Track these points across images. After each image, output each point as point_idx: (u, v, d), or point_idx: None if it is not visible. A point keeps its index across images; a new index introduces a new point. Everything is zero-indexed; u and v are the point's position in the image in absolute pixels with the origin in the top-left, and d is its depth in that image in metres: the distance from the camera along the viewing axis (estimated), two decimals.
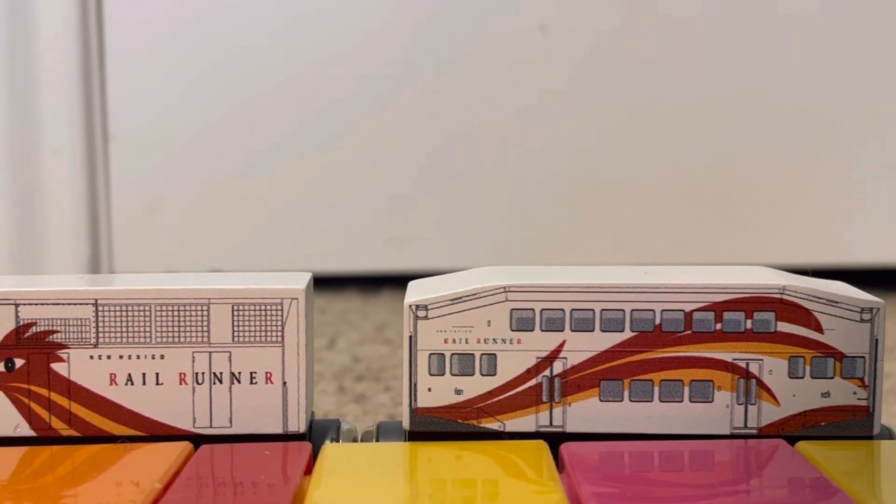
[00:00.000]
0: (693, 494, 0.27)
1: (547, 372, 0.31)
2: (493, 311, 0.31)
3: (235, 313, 0.31)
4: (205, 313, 0.31)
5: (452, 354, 0.31)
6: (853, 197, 0.76)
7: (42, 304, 0.31)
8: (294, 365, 0.31)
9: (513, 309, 0.31)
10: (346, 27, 0.76)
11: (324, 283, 0.77)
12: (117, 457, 0.29)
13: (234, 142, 0.77)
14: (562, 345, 0.31)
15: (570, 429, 0.31)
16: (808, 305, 0.30)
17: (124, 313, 0.31)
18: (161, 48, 0.76)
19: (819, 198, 0.76)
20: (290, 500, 0.26)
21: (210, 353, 0.31)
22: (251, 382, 0.31)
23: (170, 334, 0.31)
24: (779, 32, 0.75)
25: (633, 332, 0.31)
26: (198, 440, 0.31)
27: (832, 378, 0.31)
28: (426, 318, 0.31)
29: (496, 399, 0.31)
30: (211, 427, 0.31)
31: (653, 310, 0.31)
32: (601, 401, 0.31)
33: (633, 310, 0.31)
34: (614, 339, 0.31)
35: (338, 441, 0.32)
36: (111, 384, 0.31)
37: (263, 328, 0.31)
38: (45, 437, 0.31)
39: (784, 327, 0.30)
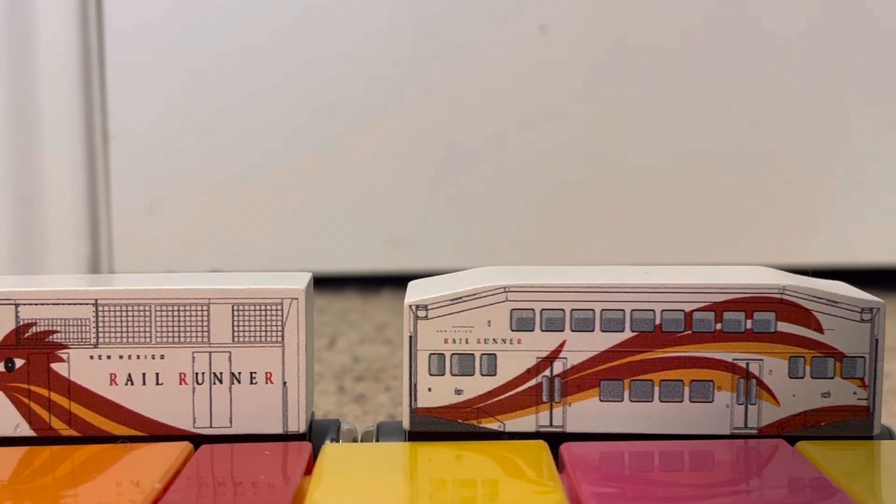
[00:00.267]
0: (693, 494, 0.27)
1: (547, 372, 0.31)
2: (493, 311, 0.31)
3: (235, 313, 0.31)
4: (205, 313, 0.31)
5: (452, 354, 0.31)
6: (853, 197, 0.76)
7: (42, 304, 0.31)
8: (294, 365, 0.31)
9: (513, 309, 0.31)
10: (345, 27, 0.76)
11: (324, 283, 0.77)
12: (117, 457, 0.29)
13: (234, 142, 0.77)
14: (562, 345, 0.31)
15: (570, 429, 0.31)
16: (809, 305, 0.30)
17: (124, 313, 0.31)
18: (161, 48, 0.76)
19: (819, 198, 0.76)
20: (290, 500, 0.26)
21: (210, 353, 0.31)
22: (251, 382, 0.31)
23: (170, 334, 0.31)
24: (780, 33, 0.75)
25: (633, 332, 0.31)
26: (198, 440, 0.31)
27: (832, 378, 0.31)
28: (426, 318, 0.31)
29: (496, 399, 0.31)
30: (211, 427, 0.31)
31: (653, 310, 0.31)
32: (601, 401, 0.31)
33: (633, 310, 0.31)
34: (614, 339, 0.31)
35: (338, 441, 0.32)
36: (111, 384, 0.31)
37: (263, 328, 0.31)
38: (45, 437, 0.31)
39: (784, 327, 0.30)
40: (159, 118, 0.76)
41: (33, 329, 0.31)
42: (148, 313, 0.31)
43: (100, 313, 0.31)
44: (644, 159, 0.76)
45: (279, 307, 0.31)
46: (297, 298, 0.31)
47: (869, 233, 0.76)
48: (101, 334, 0.31)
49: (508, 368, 0.31)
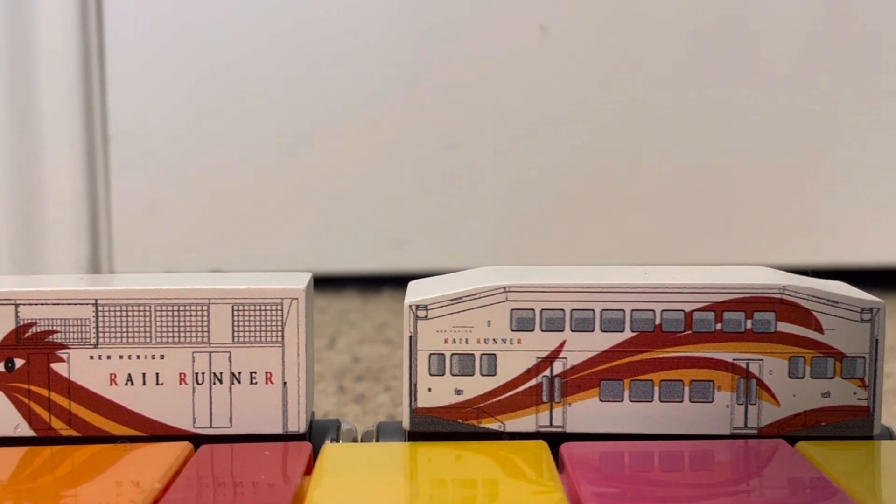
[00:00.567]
0: (693, 494, 0.27)
1: (547, 372, 0.31)
2: (493, 312, 0.31)
3: (235, 313, 0.31)
4: (205, 313, 0.31)
5: (452, 354, 0.31)
6: (853, 197, 0.76)
7: (42, 305, 0.31)
8: (294, 365, 0.31)
9: (513, 309, 0.31)
10: (345, 27, 0.76)
11: (324, 283, 0.77)
12: (117, 457, 0.29)
13: (234, 142, 0.77)
14: (562, 345, 0.31)
15: (570, 429, 0.31)
16: (809, 305, 0.30)
17: (124, 313, 0.31)
18: (161, 48, 0.76)
19: (819, 198, 0.76)
20: (290, 500, 0.26)
21: (210, 353, 0.31)
22: (251, 382, 0.31)
23: (170, 334, 0.31)
24: (780, 34, 0.75)
25: (633, 332, 0.31)
26: (198, 440, 0.31)
27: (832, 378, 0.31)
28: (426, 318, 0.31)
29: (496, 399, 0.31)
30: (211, 427, 0.31)
31: (653, 310, 0.31)
32: (601, 401, 0.31)
33: (633, 310, 0.31)
34: (614, 339, 0.31)
35: (338, 441, 0.32)
36: (111, 384, 0.31)
37: (263, 328, 0.31)
38: (45, 437, 0.31)
39: (784, 327, 0.30)
40: (159, 118, 0.76)
41: (33, 329, 0.31)
42: (148, 313, 0.31)
43: (100, 313, 0.31)
44: (644, 159, 0.76)
45: (279, 307, 0.31)
46: (297, 298, 0.31)
47: (869, 233, 0.76)
48: (101, 334, 0.31)
49: (508, 368, 0.31)
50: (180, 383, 0.31)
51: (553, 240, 0.77)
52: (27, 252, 0.77)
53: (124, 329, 0.31)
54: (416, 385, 0.31)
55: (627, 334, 0.31)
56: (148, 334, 0.31)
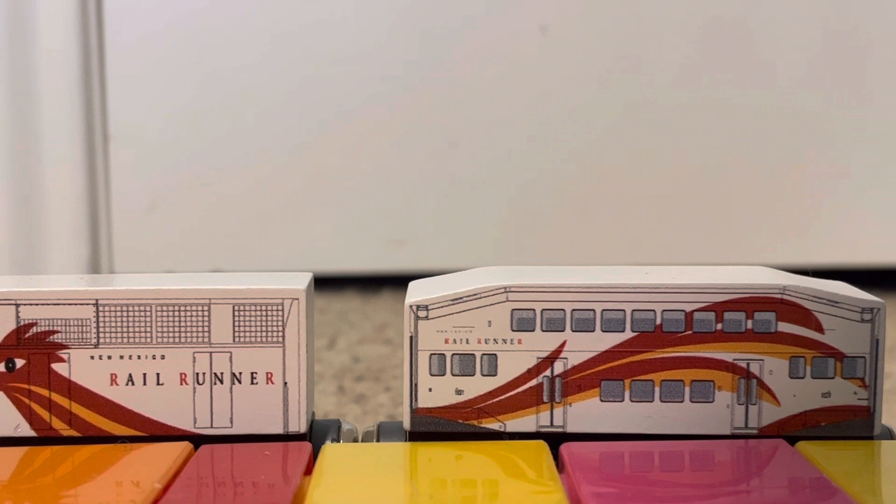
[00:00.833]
0: (693, 495, 0.27)
1: (547, 372, 0.31)
2: (493, 312, 0.31)
3: (236, 313, 0.31)
4: (205, 313, 0.31)
5: (453, 355, 0.31)
6: (854, 197, 0.76)
7: (43, 305, 0.31)
8: (295, 365, 0.31)
9: (513, 309, 0.31)
10: (345, 27, 0.76)
11: (324, 283, 0.77)
12: (117, 457, 0.29)
13: (234, 142, 0.77)
14: (562, 345, 0.31)
15: (570, 429, 0.31)
16: (809, 305, 0.30)
17: (125, 313, 0.31)
18: (161, 48, 0.76)
19: (819, 198, 0.76)
20: (290, 500, 0.26)
21: (211, 353, 0.31)
22: (252, 383, 0.31)
23: (170, 334, 0.31)
24: (780, 32, 0.75)
25: (633, 332, 0.31)
26: (198, 440, 0.31)
27: (833, 378, 0.31)
28: (427, 318, 0.31)
29: (497, 399, 0.31)
30: (212, 427, 0.31)
31: (653, 310, 0.31)
32: (602, 401, 0.31)
33: (633, 310, 0.31)
34: (615, 339, 0.31)
35: (338, 441, 0.32)
36: (112, 384, 0.31)
37: (264, 328, 0.31)
38: (45, 438, 0.31)
39: (785, 327, 0.30)
40: (159, 118, 0.76)
41: (34, 329, 0.31)
42: (149, 313, 0.31)
43: (100, 313, 0.31)
44: (644, 159, 0.76)
45: (280, 307, 0.31)
46: (297, 299, 0.31)
47: (869, 233, 0.76)
48: (101, 334, 0.31)
49: (509, 369, 0.31)
50: (181, 383, 0.31)
51: (553, 240, 0.77)
52: (27, 252, 0.77)
53: (125, 329, 0.31)
54: (416, 385, 0.31)
55: (628, 334, 0.31)
56: (149, 334, 0.31)
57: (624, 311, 0.31)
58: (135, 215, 0.77)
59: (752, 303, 0.30)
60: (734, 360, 0.31)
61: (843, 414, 0.31)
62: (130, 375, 0.31)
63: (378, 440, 0.32)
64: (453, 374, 0.31)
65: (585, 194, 0.77)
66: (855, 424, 0.31)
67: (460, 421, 0.31)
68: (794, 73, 0.75)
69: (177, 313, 0.31)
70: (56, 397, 0.31)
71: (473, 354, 0.31)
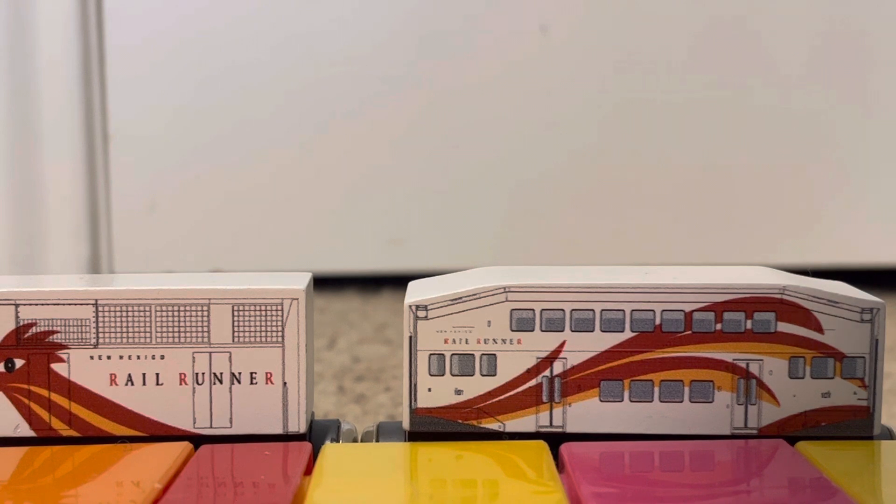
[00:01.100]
0: (693, 495, 0.27)
1: (547, 372, 0.31)
2: (493, 312, 0.31)
3: (236, 313, 0.31)
4: (205, 313, 0.31)
5: (452, 355, 0.31)
6: (853, 197, 0.76)
7: (42, 305, 0.31)
8: (294, 365, 0.31)
9: (513, 309, 0.31)
10: (345, 27, 0.76)
11: (324, 283, 0.77)
12: (117, 457, 0.29)
13: (233, 142, 0.77)
14: (562, 345, 0.31)
15: (570, 429, 0.31)
16: (809, 306, 0.30)
17: (124, 314, 0.31)
18: (161, 48, 0.76)
19: (819, 198, 0.76)
20: (290, 500, 0.26)
21: (210, 353, 0.31)
22: (251, 383, 0.31)
23: (170, 335, 0.31)
24: (781, 34, 0.75)
25: (633, 332, 0.31)
26: (198, 440, 0.31)
27: (832, 378, 0.31)
28: (426, 318, 0.31)
29: (496, 399, 0.31)
30: (211, 427, 0.31)
31: (653, 310, 0.31)
32: (601, 401, 0.31)
33: (633, 310, 0.31)
34: (614, 339, 0.31)
35: (338, 441, 0.32)
36: (111, 384, 0.31)
37: (264, 328, 0.31)
38: (45, 438, 0.31)
39: (784, 327, 0.30)
40: (159, 119, 0.76)
41: (33, 329, 0.31)
42: (148, 313, 0.31)
43: (100, 313, 0.31)
44: (644, 159, 0.76)
45: (279, 307, 0.31)
46: (297, 299, 0.31)
47: (869, 233, 0.76)
48: (101, 334, 0.31)
49: (508, 369, 0.31)
50: (180, 383, 0.31)
51: (553, 240, 0.77)
52: (27, 252, 0.77)
53: (124, 329, 0.31)
54: (416, 385, 0.31)
55: (627, 334, 0.31)
56: (148, 334, 0.31)
57: (623, 311, 0.31)
58: (135, 215, 0.77)
59: (751, 303, 0.30)
60: (734, 360, 0.31)
61: (843, 414, 0.31)
62: (130, 375, 0.31)
63: (378, 440, 0.32)
64: (453, 375, 0.31)
65: (585, 194, 0.77)
66: (854, 424, 0.31)
67: (460, 421, 0.31)
68: (795, 74, 0.75)
69: (176, 313, 0.31)
70: (55, 397, 0.31)
71: (473, 354, 0.31)
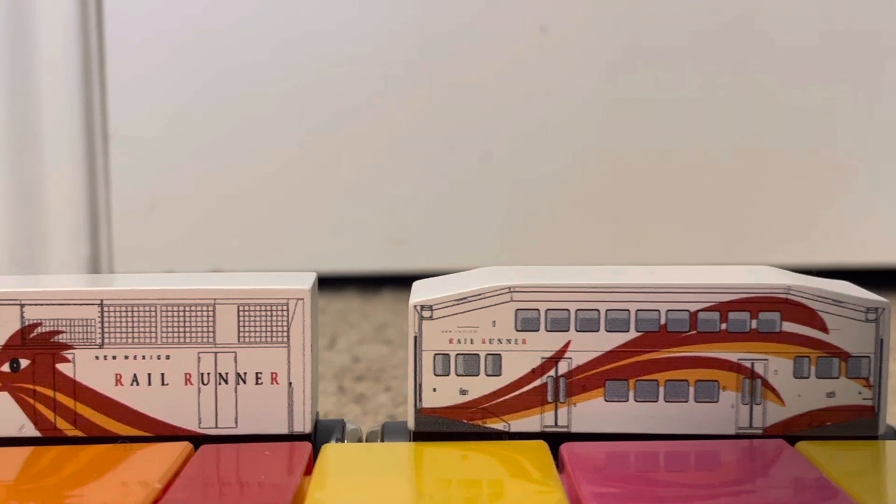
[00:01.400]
0: (693, 495, 0.27)
1: (552, 372, 0.31)
2: (497, 312, 0.31)
3: (241, 314, 0.31)
4: (210, 314, 0.31)
5: (457, 355, 0.31)
6: (859, 197, 0.76)
7: (47, 305, 0.31)
8: (300, 365, 0.31)
9: (518, 309, 0.31)
10: (345, 27, 0.76)
11: (324, 283, 0.77)
12: (118, 457, 0.29)
13: (233, 141, 0.76)
14: (567, 345, 0.31)
15: (575, 429, 0.31)
16: (814, 305, 0.30)
17: (130, 314, 0.31)
18: (161, 48, 0.76)
19: (825, 198, 0.76)
20: (290, 500, 0.26)
21: (215, 353, 0.31)
22: (257, 383, 0.31)
23: (175, 335, 0.31)
24: (783, 34, 0.75)
25: (638, 332, 0.31)
26: (203, 441, 0.31)
27: (837, 378, 0.31)
28: (431, 318, 0.31)
29: (501, 399, 0.31)
30: (216, 427, 0.31)
31: (658, 310, 0.31)
32: (606, 401, 0.31)
33: (638, 310, 0.31)
34: (619, 339, 0.31)
35: (342, 441, 0.32)
36: (116, 384, 0.31)
37: (269, 329, 0.31)
38: (50, 438, 0.31)
39: (789, 327, 0.30)
40: (159, 118, 0.76)
41: (38, 329, 0.31)
42: (153, 314, 0.31)
43: (105, 314, 0.31)
44: (647, 159, 0.76)
45: (285, 308, 0.31)
46: (302, 299, 0.31)
47: (874, 233, 0.76)
48: (106, 335, 0.31)
49: (513, 369, 0.31)
50: (186, 384, 0.31)
51: (557, 240, 0.77)
52: (27, 252, 0.77)
53: (130, 329, 0.31)
54: (420, 385, 0.31)
55: (632, 334, 0.31)
56: (153, 335, 0.31)
57: (628, 310, 0.31)
58: (135, 215, 0.77)
59: (756, 302, 0.30)
60: (739, 359, 0.31)
61: (848, 414, 0.31)
62: (135, 376, 0.31)
63: (383, 440, 0.32)
64: (457, 374, 0.31)
65: (588, 194, 0.77)
66: (859, 424, 0.31)
67: (464, 421, 0.31)
68: (799, 73, 0.75)
69: (181, 313, 0.31)
70: (61, 397, 0.31)
71: (478, 354, 0.31)
